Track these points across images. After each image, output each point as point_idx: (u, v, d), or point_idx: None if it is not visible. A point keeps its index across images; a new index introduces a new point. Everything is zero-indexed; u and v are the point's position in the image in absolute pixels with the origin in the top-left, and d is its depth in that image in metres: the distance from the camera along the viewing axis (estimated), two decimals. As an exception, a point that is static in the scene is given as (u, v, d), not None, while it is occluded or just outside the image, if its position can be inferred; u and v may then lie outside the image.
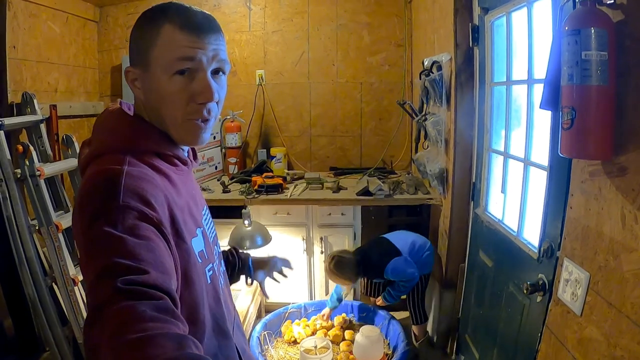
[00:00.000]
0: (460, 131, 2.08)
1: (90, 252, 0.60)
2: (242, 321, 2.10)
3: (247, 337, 1.96)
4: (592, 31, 0.90)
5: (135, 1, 3.17)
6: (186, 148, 0.85)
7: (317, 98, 3.27)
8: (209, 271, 0.81)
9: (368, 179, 2.95)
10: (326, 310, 2.49)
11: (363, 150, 3.31)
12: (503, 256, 1.74)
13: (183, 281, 0.71)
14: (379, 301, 2.39)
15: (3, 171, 1.94)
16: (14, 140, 2.24)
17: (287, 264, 1.28)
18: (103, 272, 0.56)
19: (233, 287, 1.13)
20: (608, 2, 0.94)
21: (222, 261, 0.98)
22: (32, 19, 2.51)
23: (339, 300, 2.47)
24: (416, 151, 2.77)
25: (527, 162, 1.59)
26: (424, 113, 2.52)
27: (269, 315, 2.50)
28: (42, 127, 2.29)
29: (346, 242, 2.70)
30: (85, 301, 2.04)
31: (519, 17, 1.64)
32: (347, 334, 2.37)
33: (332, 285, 2.49)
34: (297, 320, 2.53)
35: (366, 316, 2.54)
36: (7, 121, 2.02)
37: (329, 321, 2.49)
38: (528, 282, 1.35)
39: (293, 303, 2.62)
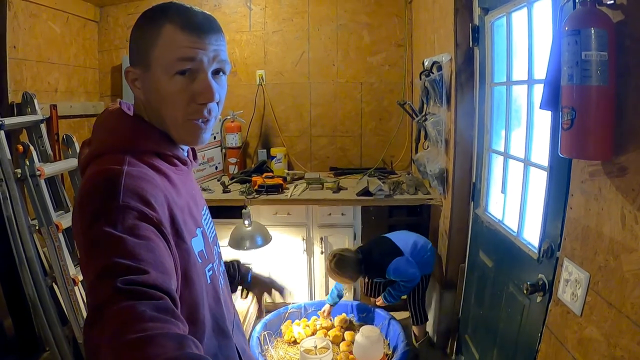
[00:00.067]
0: (460, 131, 2.09)
1: (90, 252, 0.60)
2: (242, 321, 2.09)
3: (247, 337, 1.95)
4: (592, 31, 0.90)
5: (135, 1, 3.17)
6: (186, 148, 0.85)
7: (317, 98, 3.26)
8: (208, 271, 0.81)
9: (368, 179, 2.95)
10: (326, 307, 2.49)
11: (363, 150, 3.31)
12: (503, 256, 1.74)
13: (183, 281, 0.71)
14: (379, 301, 2.39)
15: (3, 171, 1.94)
16: (14, 140, 2.24)
17: (281, 290, 1.27)
18: (103, 272, 0.56)
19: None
20: (608, 3, 0.94)
21: (222, 261, 0.98)
22: (33, 19, 2.51)
23: (339, 296, 2.47)
24: (416, 151, 2.77)
25: (527, 163, 1.59)
26: (424, 113, 2.52)
27: (269, 315, 2.50)
28: (43, 127, 2.29)
29: (346, 242, 2.70)
30: (85, 301, 2.04)
31: (519, 17, 1.64)
32: (347, 334, 2.36)
33: (332, 285, 2.49)
34: (297, 321, 2.53)
35: (366, 316, 2.54)
36: (8, 121, 2.02)
37: (329, 318, 2.49)
38: (528, 282, 1.35)
39: (293, 303, 2.62)
